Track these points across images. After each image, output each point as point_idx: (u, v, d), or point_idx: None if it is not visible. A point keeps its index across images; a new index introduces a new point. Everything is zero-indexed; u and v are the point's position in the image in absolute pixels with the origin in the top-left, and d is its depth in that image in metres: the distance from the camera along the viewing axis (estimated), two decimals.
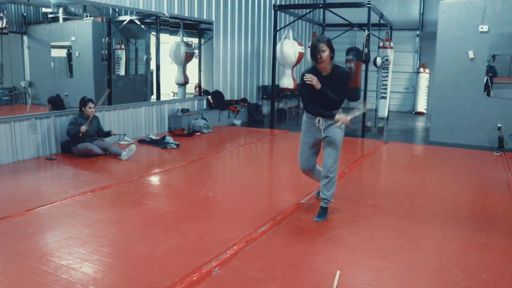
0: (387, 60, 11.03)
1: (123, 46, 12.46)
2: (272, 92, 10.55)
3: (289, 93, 12.77)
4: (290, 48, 10.58)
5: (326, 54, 4.02)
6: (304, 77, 4.08)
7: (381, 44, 11.15)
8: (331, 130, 4.28)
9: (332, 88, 4.15)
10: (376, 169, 6.79)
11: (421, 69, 13.99)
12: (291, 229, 4.06)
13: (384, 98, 11.21)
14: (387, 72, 11.13)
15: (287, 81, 11.03)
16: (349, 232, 4.01)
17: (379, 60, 10.86)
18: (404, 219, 4.36)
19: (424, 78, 13.91)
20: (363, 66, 10.00)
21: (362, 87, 10.05)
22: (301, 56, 10.90)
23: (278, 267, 3.27)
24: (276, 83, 10.75)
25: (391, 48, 11.18)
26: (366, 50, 9.41)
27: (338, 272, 3.16)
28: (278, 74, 11.05)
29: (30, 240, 3.71)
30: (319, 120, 4.26)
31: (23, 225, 4.04)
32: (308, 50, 12.14)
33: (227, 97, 11.29)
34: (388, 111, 11.87)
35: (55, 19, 8.94)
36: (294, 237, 3.86)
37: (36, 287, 2.95)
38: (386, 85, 11.18)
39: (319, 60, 4.05)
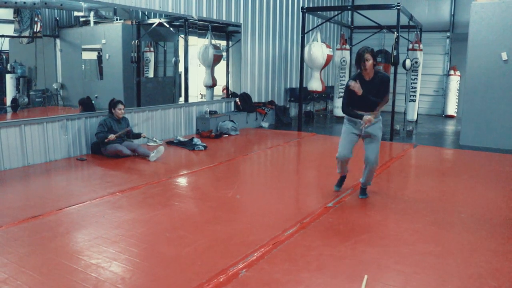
0: (416, 62, 10.87)
1: (152, 49, 12.60)
2: (300, 94, 10.52)
3: (317, 96, 12.71)
4: (319, 50, 10.54)
5: (370, 63, 4.61)
6: (350, 85, 4.65)
7: (410, 46, 11.00)
8: (372, 127, 4.76)
9: (374, 91, 4.69)
10: (404, 173, 6.69)
11: (452, 72, 13.73)
12: (318, 232, 4.04)
13: (413, 101, 11.05)
14: (417, 75, 10.96)
15: (315, 84, 10.99)
16: (377, 237, 3.97)
17: (408, 63, 10.71)
18: (433, 224, 4.28)
19: (454, 80, 13.64)
20: (392, 69, 9.87)
21: (391, 89, 9.91)
22: (329, 58, 10.84)
23: (305, 271, 3.26)
24: (304, 85, 10.72)
25: (421, 50, 11.01)
26: (395, 53, 9.30)
27: (366, 277, 3.13)
28: (306, 77, 11.01)
29: (61, 239, 3.79)
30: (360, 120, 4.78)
31: (54, 224, 4.13)
32: (337, 52, 12.09)
33: (255, 99, 11.31)
34: (417, 114, 11.69)
35: (87, 23, 9.12)
36: (321, 240, 3.83)
37: (67, 285, 3.01)
38: (416, 87, 11.02)
39: (363, 68, 4.63)
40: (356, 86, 4.62)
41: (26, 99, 10.70)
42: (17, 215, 4.30)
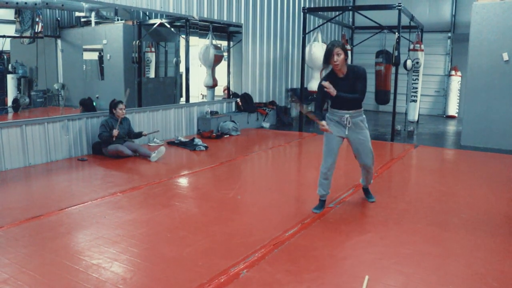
0: (417, 62, 10.86)
1: (153, 49, 12.60)
2: (301, 94, 10.52)
3: None
4: (319, 50, 10.52)
5: (341, 57, 4.26)
6: (323, 85, 4.32)
7: (411, 46, 10.99)
8: (358, 131, 4.51)
9: (350, 88, 4.38)
10: (405, 173, 6.69)
11: (453, 72, 13.72)
12: (319, 233, 4.04)
13: (415, 101, 11.04)
14: (418, 75, 10.95)
15: (315, 84, 10.97)
16: (378, 237, 3.97)
17: (409, 63, 10.71)
18: (434, 225, 4.28)
19: (455, 81, 13.63)
20: (393, 69, 9.87)
21: (392, 90, 9.91)
22: None
23: (305, 271, 3.26)
24: (305, 85, 10.72)
25: (422, 50, 11.00)
26: (396, 53, 9.29)
27: (367, 277, 3.13)
28: (307, 77, 11.01)
29: (62, 239, 3.79)
30: (346, 118, 4.46)
31: (55, 224, 4.13)
32: None
33: (256, 99, 11.31)
34: (419, 114, 11.68)
35: (88, 23, 9.13)
36: (322, 241, 3.84)
37: (67, 285, 3.01)
38: (417, 88, 11.01)
39: (335, 64, 4.28)
40: (330, 87, 4.28)
41: (27, 100, 10.72)
42: (18, 215, 4.31)
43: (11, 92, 10.09)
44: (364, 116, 4.59)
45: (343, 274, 3.26)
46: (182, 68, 10.08)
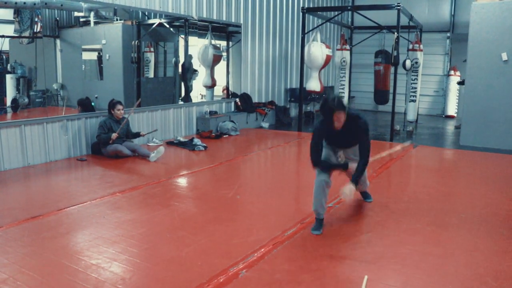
0: (416, 62, 10.88)
1: (152, 49, 12.58)
2: (300, 94, 10.53)
3: (317, 96, 12.72)
4: (318, 50, 10.52)
5: (342, 121, 3.74)
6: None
7: (410, 46, 11.00)
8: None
9: (347, 142, 4.02)
10: (404, 174, 6.69)
11: (452, 72, 13.73)
12: None
13: (414, 101, 11.05)
14: (417, 75, 10.97)
15: (314, 84, 10.96)
16: (377, 237, 3.96)
17: (408, 63, 10.72)
18: (433, 225, 4.28)
19: (454, 81, 13.64)
20: (392, 69, 9.87)
21: (391, 90, 9.92)
22: (328, 58, 10.82)
23: (305, 271, 3.26)
24: (304, 85, 10.72)
25: (421, 50, 11.02)
26: (395, 53, 9.30)
27: (366, 277, 3.13)
28: (306, 77, 11.01)
29: (61, 239, 3.79)
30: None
31: (54, 224, 4.13)
32: (337, 53, 12.08)
33: (255, 99, 11.31)
34: (417, 114, 11.69)
35: (87, 23, 9.12)
36: (321, 241, 3.83)
37: (67, 285, 3.01)
38: (416, 88, 11.02)
39: (335, 126, 3.76)
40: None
41: (26, 100, 10.72)
42: (17, 215, 4.30)
43: (10, 92, 10.09)
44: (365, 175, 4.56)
45: (343, 274, 3.26)
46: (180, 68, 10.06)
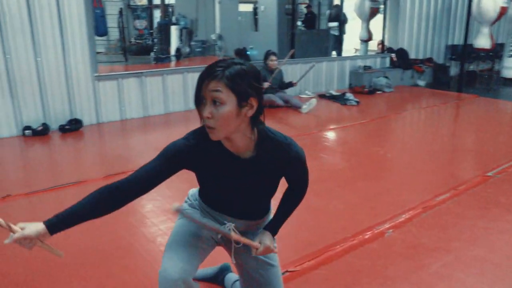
0: None
1: (306, 1, 12.52)
2: (464, 52, 9.71)
3: (484, 54, 11.60)
4: (490, 1, 9.48)
5: (223, 109, 1.59)
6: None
7: None
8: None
9: (259, 184, 1.88)
10: None
11: None
12: (474, 202, 3.79)
13: None
14: None
15: (483, 41, 9.98)
16: None
17: None
18: None
19: None
20: None
21: None
22: (503, 11, 9.69)
23: (455, 239, 3.11)
24: (469, 42, 9.84)
25: None
26: None
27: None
28: (471, 32, 10.07)
29: None
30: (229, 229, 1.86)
31: None
32: None
33: (412, 55, 10.72)
34: None
35: None
36: (476, 211, 3.60)
37: None
38: None
39: (205, 123, 1.64)
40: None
41: (188, 49, 11.60)
42: None
43: (174, 42, 11.00)
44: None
45: (499, 250, 3.04)
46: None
